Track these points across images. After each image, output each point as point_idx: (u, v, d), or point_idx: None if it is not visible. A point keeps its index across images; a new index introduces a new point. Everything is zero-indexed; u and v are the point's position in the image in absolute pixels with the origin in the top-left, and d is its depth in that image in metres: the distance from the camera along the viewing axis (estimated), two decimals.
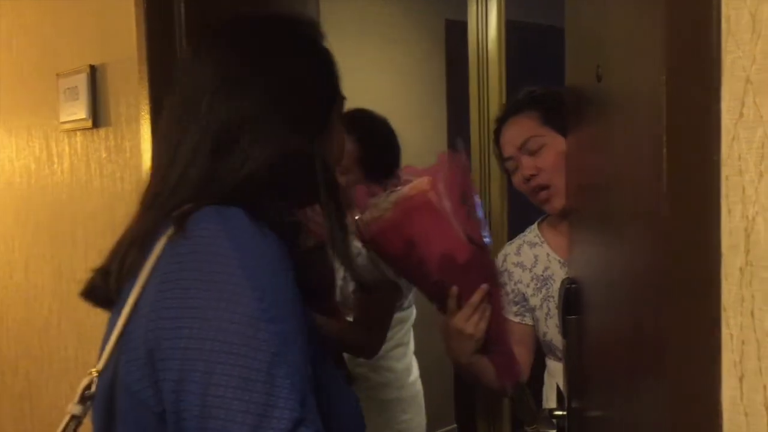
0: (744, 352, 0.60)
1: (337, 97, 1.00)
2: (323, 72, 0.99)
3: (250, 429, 0.71)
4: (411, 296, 2.17)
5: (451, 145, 4.15)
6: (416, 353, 2.30)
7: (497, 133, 1.73)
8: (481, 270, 1.42)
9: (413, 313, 2.19)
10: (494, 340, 1.49)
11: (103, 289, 0.89)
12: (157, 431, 0.79)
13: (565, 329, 1.31)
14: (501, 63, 2.26)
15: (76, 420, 0.80)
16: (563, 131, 1.54)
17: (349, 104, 2.35)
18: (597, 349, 1.24)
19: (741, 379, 0.60)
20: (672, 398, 0.65)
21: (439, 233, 1.37)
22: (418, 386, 2.27)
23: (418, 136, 2.47)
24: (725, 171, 0.60)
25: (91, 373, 0.81)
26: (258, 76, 0.93)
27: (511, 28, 2.36)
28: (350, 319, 2.10)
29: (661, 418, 0.69)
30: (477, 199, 1.44)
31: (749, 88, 0.58)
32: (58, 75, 1.84)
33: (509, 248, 1.79)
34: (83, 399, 0.80)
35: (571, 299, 1.30)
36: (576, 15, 1.28)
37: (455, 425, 4.40)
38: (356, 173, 2.06)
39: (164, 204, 0.88)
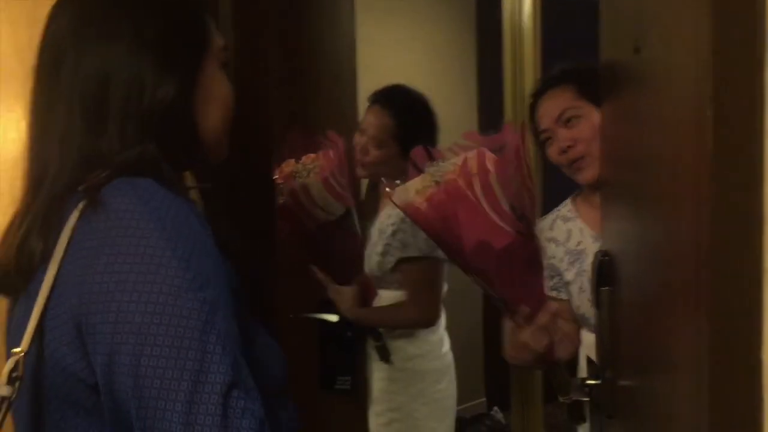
0: None
1: (209, 45, 0.96)
2: (189, 15, 0.96)
3: (185, 395, 0.73)
4: None
5: (485, 122, 4.16)
6: (446, 327, 2.35)
7: (533, 107, 1.77)
8: (523, 255, 1.42)
9: (444, 286, 2.23)
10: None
11: (10, 283, 0.89)
12: (90, 402, 0.81)
13: (597, 300, 1.34)
14: (536, 38, 2.27)
15: (6, 401, 0.80)
16: (598, 104, 1.56)
17: (379, 80, 2.39)
18: (631, 319, 1.27)
19: None
20: (712, 353, 0.68)
21: (470, 221, 1.36)
22: (450, 357, 2.34)
23: (448, 112, 2.48)
24: None
25: (15, 354, 0.80)
26: (119, 19, 0.90)
27: (546, 2, 2.36)
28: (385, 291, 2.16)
29: (700, 380, 0.72)
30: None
31: None
32: None
33: (543, 223, 1.83)
34: (11, 380, 0.80)
35: (604, 271, 1.32)
36: None
37: (484, 399, 4.46)
38: (393, 147, 2.12)
39: (52, 187, 0.87)
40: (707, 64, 0.66)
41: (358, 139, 2.18)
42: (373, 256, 2.16)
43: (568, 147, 1.67)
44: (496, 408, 4.30)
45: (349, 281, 2.06)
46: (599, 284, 1.32)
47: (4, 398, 0.79)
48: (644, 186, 1.14)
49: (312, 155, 1.99)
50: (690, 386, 0.91)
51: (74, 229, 0.81)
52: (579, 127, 1.66)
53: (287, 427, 0.94)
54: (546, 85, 1.76)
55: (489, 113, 4.16)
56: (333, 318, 2.12)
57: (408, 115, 2.15)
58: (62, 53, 0.88)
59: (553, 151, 1.71)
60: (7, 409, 0.79)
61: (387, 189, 1.48)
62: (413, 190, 1.39)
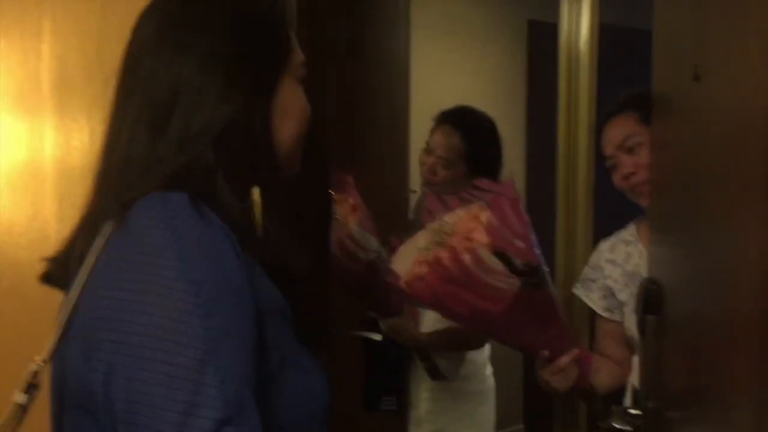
0: None
1: (289, 62, 0.95)
2: (269, 34, 0.95)
3: (174, 427, 0.70)
4: None
5: (529, 152, 4.16)
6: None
7: (599, 133, 1.80)
8: (532, 306, 1.45)
9: None
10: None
11: (59, 276, 0.90)
12: (102, 413, 0.78)
13: (642, 328, 1.34)
14: (592, 67, 2.26)
15: (21, 409, 0.80)
16: None
17: (432, 101, 2.40)
18: (678, 349, 1.26)
19: None
20: None
21: (460, 297, 1.40)
22: (493, 381, 2.34)
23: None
24: None
25: (35, 361, 0.80)
26: (198, 33, 0.90)
27: (604, 31, 2.37)
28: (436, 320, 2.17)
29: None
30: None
31: None
32: None
33: (604, 245, 1.86)
34: (28, 388, 0.80)
35: (651, 299, 1.32)
36: (668, 14, 1.29)
37: (522, 426, 4.42)
38: (461, 167, 2.15)
39: (111, 188, 0.87)
40: None
41: (425, 159, 2.20)
42: None
43: (631, 174, 1.68)
44: None
45: (398, 312, 2.07)
46: (645, 312, 1.32)
47: (19, 405, 0.79)
48: (699, 214, 1.14)
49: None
50: (745, 417, 0.90)
51: (105, 240, 0.81)
52: (641, 154, 1.67)
53: None
54: (611, 112, 1.78)
55: (538, 138, 4.17)
56: (377, 337, 2.12)
57: (475, 135, 2.18)
58: (140, 60, 0.90)
59: (617, 177, 1.73)
60: (21, 418, 0.80)
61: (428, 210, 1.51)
62: (415, 249, 1.43)
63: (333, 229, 1.78)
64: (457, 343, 2.16)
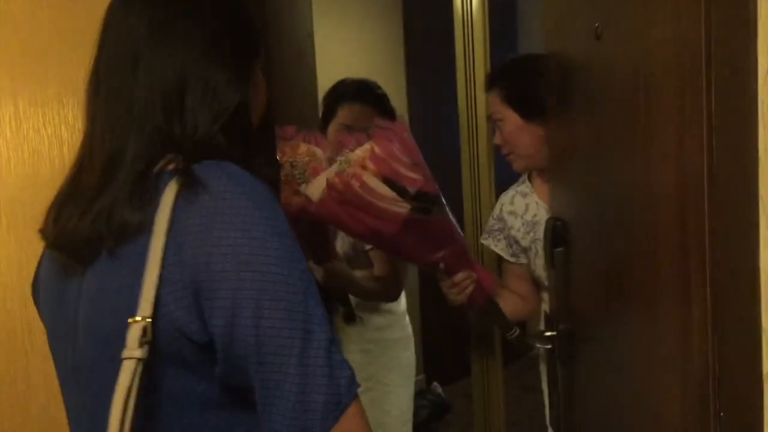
0: None
1: (260, 51, 1.07)
2: (246, 25, 1.05)
3: (298, 350, 0.85)
4: None
5: (411, 116, 4.36)
6: None
7: (488, 88, 2.03)
8: (425, 228, 1.64)
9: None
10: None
11: (92, 250, 0.94)
12: (197, 359, 0.90)
13: (552, 261, 1.53)
14: (485, 32, 2.46)
15: (141, 362, 0.86)
16: (521, 108, 1.86)
17: (323, 70, 2.52)
18: (584, 276, 1.44)
19: None
20: (714, 270, 0.88)
21: (355, 216, 1.58)
22: (410, 328, 2.52)
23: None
24: (761, 97, 0.83)
25: (140, 320, 0.87)
26: (193, 27, 0.98)
27: None
28: (361, 272, 2.31)
29: (701, 298, 0.90)
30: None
31: None
32: None
33: (505, 198, 2.08)
34: (142, 343, 0.87)
35: (557, 234, 1.51)
36: None
37: (423, 375, 4.67)
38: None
39: (133, 164, 0.93)
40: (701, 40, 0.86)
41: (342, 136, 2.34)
42: (346, 238, 2.31)
43: (497, 146, 1.96)
44: (435, 383, 4.52)
45: (332, 256, 2.18)
46: (553, 246, 1.51)
47: (139, 360, 0.86)
48: (591, 158, 1.33)
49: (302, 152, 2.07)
50: (637, 330, 1.10)
51: (174, 206, 0.89)
52: (502, 130, 1.93)
53: None
54: (486, 86, 2.03)
55: (419, 103, 4.39)
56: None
57: (384, 108, 2.33)
58: (139, 53, 0.96)
59: (499, 136, 1.98)
60: (143, 370, 0.86)
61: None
62: (325, 178, 1.59)
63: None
64: (368, 289, 2.32)
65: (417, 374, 4.69)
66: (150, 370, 0.89)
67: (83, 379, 0.97)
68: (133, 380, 0.85)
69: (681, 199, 0.96)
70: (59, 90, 2.19)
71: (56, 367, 1.06)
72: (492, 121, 1.99)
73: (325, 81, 2.52)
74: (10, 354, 2.58)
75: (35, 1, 2.23)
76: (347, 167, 1.56)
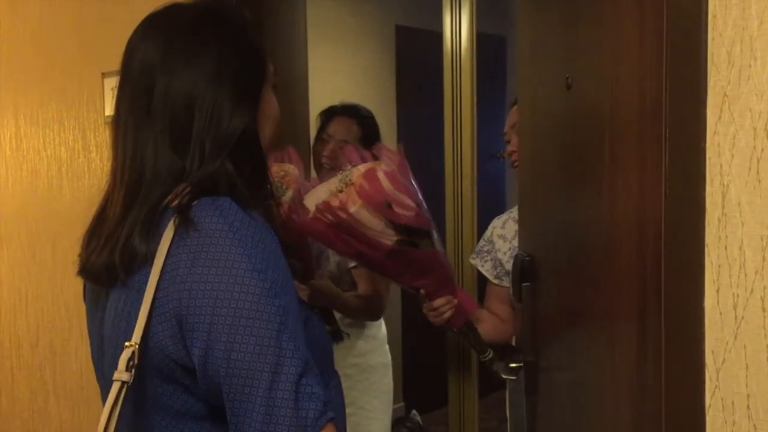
0: (720, 273, 0.92)
1: (268, 76, 1.08)
2: (255, 51, 1.07)
3: (266, 383, 0.89)
4: None
5: (399, 140, 4.45)
6: None
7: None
8: (410, 258, 1.68)
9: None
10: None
11: (111, 277, 1.00)
12: (187, 380, 0.96)
13: (519, 295, 1.58)
14: (473, 70, 2.56)
15: (125, 385, 0.92)
16: None
17: (313, 99, 2.64)
18: (549, 311, 1.49)
19: (717, 291, 0.92)
20: (668, 309, 0.96)
21: (346, 241, 1.61)
22: (390, 355, 2.57)
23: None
24: (708, 154, 0.92)
25: (132, 345, 0.93)
26: (202, 52, 1.01)
27: (480, 39, 2.68)
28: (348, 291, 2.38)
29: (655, 331, 0.98)
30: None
31: (725, 100, 0.90)
32: (103, 74, 2.05)
33: (497, 221, 2.17)
34: (129, 367, 0.92)
35: (525, 269, 1.56)
36: (538, 33, 1.53)
37: (403, 403, 4.71)
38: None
39: (147, 197, 0.99)
40: (663, 101, 0.95)
41: (323, 146, 2.43)
42: (331, 258, 2.38)
43: (513, 151, 2.03)
44: (414, 411, 4.56)
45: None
46: (522, 280, 1.56)
47: (124, 383, 0.92)
48: (556, 197, 1.40)
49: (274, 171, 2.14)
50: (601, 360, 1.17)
51: (171, 243, 0.95)
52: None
53: (339, 387, 1.13)
54: (511, 103, 2.15)
55: (408, 133, 4.48)
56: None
57: (368, 124, 2.47)
58: (153, 78, 1.01)
59: (508, 151, 2.10)
60: (126, 392, 0.93)
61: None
62: (326, 191, 1.62)
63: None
64: (351, 306, 2.34)
65: (397, 402, 4.76)
66: (145, 389, 0.96)
67: (106, 388, 1.03)
68: (117, 400, 0.92)
69: (641, 241, 1.04)
70: (60, 112, 2.27)
71: (95, 372, 1.14)
72: (507, 133, 2.11)
73: (317, 109, 2.62)
74: None
75: (40, 27, 2.32)
76: (344, 188, 1.59)
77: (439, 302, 1.81)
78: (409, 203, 1.60)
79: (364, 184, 1.56)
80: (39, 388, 2.46)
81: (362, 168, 1.61)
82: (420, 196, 1.66)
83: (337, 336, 2.37)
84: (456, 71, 2.56)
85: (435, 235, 1.71)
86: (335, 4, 4.39)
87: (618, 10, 1.09)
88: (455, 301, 1.83)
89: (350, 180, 1.59)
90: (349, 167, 1.61)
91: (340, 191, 1.59)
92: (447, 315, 1.82)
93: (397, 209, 1.58)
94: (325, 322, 2.37)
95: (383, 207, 1.58)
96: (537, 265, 1.52)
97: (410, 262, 1.69)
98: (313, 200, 1.59)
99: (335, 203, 1.55)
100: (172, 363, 0.95)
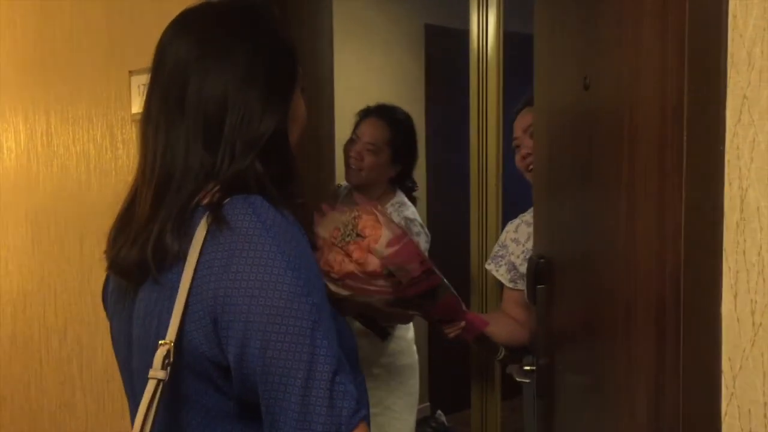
0: (738, 278, 0.90)
1: (298, 75, 1.08)
2: (286, 50, 1.08)
3: (302, 381, 0.89)
4: None
5: (428, 144, 4.43)
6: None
7: (514, 118, 2.13)
8: (420, 302, 1.63)
9: None
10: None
11: (141, 273, 1.01)
12: (221, 379, 0.96)
13: (533, 298, 1.56)
14: (499, 69, 2.55)
15: (162, 383, 0.93)
16: None
17: (339, 99, 2.65)
18: (565, 314, 1.47)
19: (735, 296, 0.90)
20: (687, 314, 0.95)
21: (362, 285, 1.48)
22: (417, 357, 2.57)
23: None
24: (727, 156, 0.90)
25: (167, 344, 0.94)
26: (236, 50, 1.01)
27: (507, 37, 2.66)
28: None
29: (673, 328, 0.97)
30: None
31: (745, 102, 0.88)
32: (130, 72, 2.08)
33: (510, 226, 2.15)
34: (164, 365, 0.93)
35: (541, 272, 1.53)
36: (555, 34, 1.51)
37: (428, 403, 4.70)
38: (386, 153, 2.39)
39: (178, 195, 0.99)
40: (683, 103, 0.93)
41: (352, 147, 2.43)
42: None
43: (528, 154, 2.00)
44: (439, 411, 4.55)
45: None
46: (537, 283, 1.54)
47: (160, 381, 0.93)
48: (574, 199, 1.39)
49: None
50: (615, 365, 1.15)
51: (204, 241, 0.95)
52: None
53: (364, 386, 1.12)
54: (521, 105, 2.11)
55: (437, 132, 4.47)
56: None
57: (399, 126, 2.45)
58: (186, 77, 1.01)
59: (518, 158, 2.07)
60: (163, 390, 0.94)
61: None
62: (335, 223, 1.49)
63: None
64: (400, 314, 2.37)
65: (422, 402, 4.76)
66: (178, 387, 0.97)
67: (137, 385, 1.05)
68: (153, 397, 0.93)
69: (660, 245, 1.02)
70: (89, 109, 2.31)
71: (120, 370, 1.14)
72: (519, 138, 2.08)
73: (344, 108, 2.62)
74: (27, 360, 2.68)
75: (72, 25, 2.35)
76: (348, 240, 1.48)
77: (450, 329, 1.84)
78: (414, 270, 1.49)
79: (368, 268, 1.45)
80: (67, 381, 2.50)
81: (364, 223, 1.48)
82: (420, 249, 1.59)
83: (383, 333, 2.38)
84: (482, 70, 2.54)
85: (444, 280, 1.66)
86: (364, 4, 4.39)
87: (639, 10, 1.07)
88: (462, 323, 1.83)
89: (351, 234, 1.47)
90: (354, 214, 1.49)
91: (345, 241, 1.47)
92: (454, 334, 1.84)
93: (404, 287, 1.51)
94: (366, 325, 2.40)
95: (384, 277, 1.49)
96: (552, 267, 1.51)
97: (423, 304, 1.66)
98: (323, 229, 1.54)
99: (336, 267, 1.45)
100: (206, 361, 0.96)
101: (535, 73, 1.62)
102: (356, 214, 1.50)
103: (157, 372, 0.93)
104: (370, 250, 1.43)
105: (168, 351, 0.94)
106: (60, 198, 2.47)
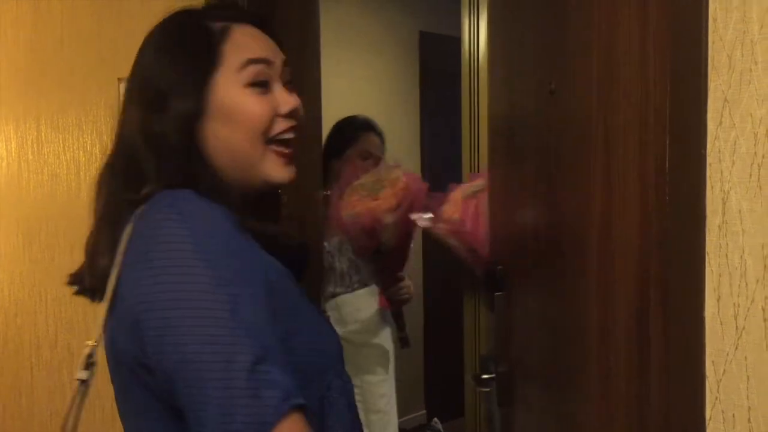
0: (720, 282, 0.89)
1: (217, 61, 1.08)
2: (200, 37, 1.09)
3: (220, 374, 0.86)
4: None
5: (423, 151, 4.44)
6: None
7: None
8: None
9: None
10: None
11: (93, 289, 1.04)
12: (147, 377, 0.95)
13: (492, 305, 1.55)
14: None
15: (84, 383, 0.97)
16: None
17: (329, 106, 2.68)
18: (521, 320, 1.46)
19: (718, 300, 0.90)
20: (670, 318, 0.94)
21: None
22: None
23: (393, 140, 2.82)
24: (709, 160, 0.89)
25: (89, 345, 0.98)
26: (154, 49, 1.10)
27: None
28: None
29: (659, 338, 0.96)
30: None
31: (726, 105, 0.88)
32: (119, 80, 2.07)
33: None
34: (88, 366, 0.97)
35: (499, 278, 1.53)
36: (526, 39, 1.47)
37: (424, 411, 4.70)
38: (377, 162, 2.46)
39: (108, 203, 1.05)
40: (665, 106, 0.93)
41: (361, 163, 2.52)
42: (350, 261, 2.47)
43: None
44: (435, 419, 4.54)
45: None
46: (493, 290, 1.53)
47: (82, 381, 0.97)
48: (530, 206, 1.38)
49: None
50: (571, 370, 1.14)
51: (129, 237, 0.96)
52: None
53: (344, 390, 1.09)
54: None
55: (431, 138, 4.47)
56: None
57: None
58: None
59: None
60: (86, 390, 0.96)
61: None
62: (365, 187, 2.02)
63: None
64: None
65: (418, 409, 4.75)
66: (116, 389, 1.00)
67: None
68: (74, 399, 0.95)
69: (641, 249, 1.02)
70: (79, 117, 2.31)
71: None
72: None
73: (341, 115, 2.63)
74: (18, 369, 2.66)
75: (62, 33, 2.35)
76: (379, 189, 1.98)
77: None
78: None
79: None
80: (57, 389, 2.49)
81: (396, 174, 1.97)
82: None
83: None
84: (474, 76, 2.54)
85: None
86: (360, 11, 4.40)
87: (613, 13, 1.07)
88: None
89: (383, 182, 1.91)
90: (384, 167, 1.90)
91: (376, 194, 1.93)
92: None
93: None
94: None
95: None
96: (509, 274, 1.50)
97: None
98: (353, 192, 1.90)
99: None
100: (131, 361, 0.95)
101: (490, 75, 1.60)
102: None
103: (80, 372, 0.95)
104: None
105: (92, 351, 0.96)
106: (51, 206, 2.47)
